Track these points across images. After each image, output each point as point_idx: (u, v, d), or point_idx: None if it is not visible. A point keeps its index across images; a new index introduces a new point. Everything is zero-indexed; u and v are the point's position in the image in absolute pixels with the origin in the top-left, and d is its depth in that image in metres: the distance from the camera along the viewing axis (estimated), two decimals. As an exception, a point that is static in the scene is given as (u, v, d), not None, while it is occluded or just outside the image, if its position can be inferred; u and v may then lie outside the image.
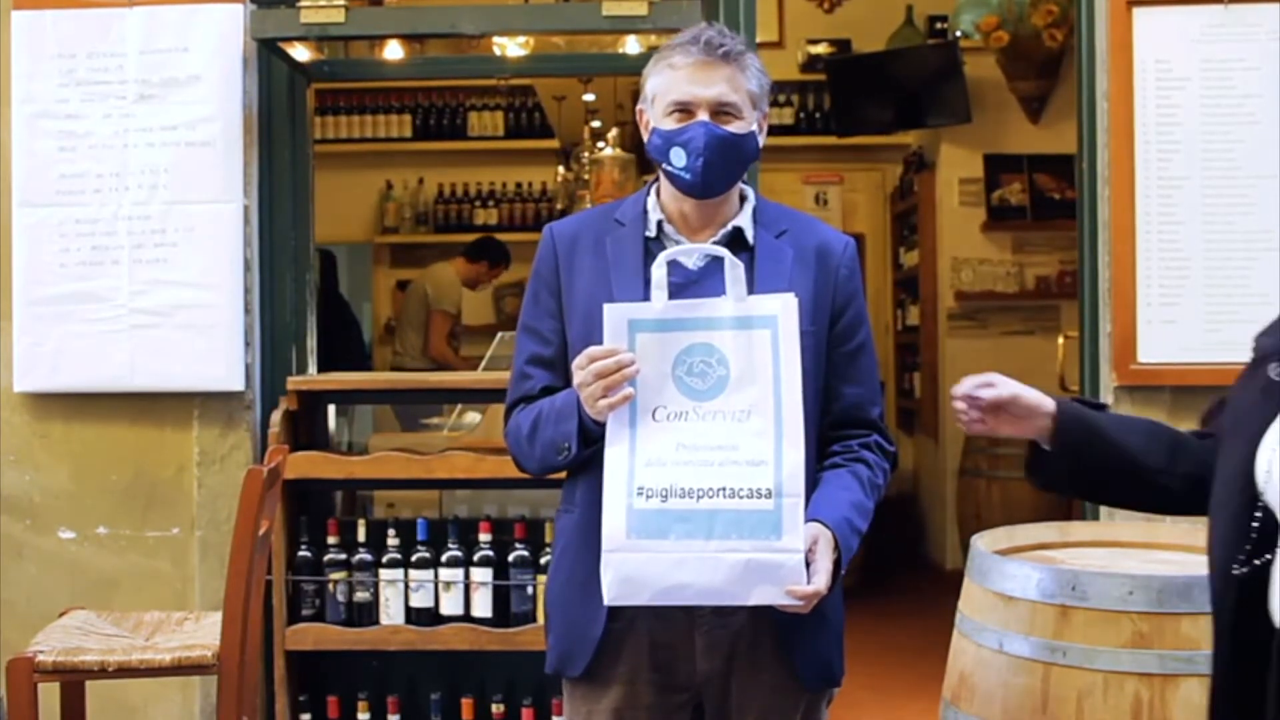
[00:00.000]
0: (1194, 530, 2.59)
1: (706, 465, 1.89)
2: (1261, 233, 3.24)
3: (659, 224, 2.12)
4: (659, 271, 1.94)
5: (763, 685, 2.08)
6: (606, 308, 1.94)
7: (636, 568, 1.89)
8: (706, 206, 2.11)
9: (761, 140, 2.13)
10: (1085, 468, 1.92)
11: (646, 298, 2.02)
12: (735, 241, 2.11)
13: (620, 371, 1.91)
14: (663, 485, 1.89)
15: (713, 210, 2.12)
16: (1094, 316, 3.35)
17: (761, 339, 1.91)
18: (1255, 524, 1.56)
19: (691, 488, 1.89)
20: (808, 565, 1.94)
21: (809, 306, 2.07)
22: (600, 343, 1.98)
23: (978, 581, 2.33)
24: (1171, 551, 2.51)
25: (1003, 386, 1.94)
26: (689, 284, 2.05)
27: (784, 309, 1.91)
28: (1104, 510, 3.29)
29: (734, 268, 1.93)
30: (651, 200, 2.15)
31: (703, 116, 2.04)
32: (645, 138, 2.13)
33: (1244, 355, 3.29)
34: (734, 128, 2.05)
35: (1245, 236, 3.24)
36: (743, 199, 2.16)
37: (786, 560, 1.88)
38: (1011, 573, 2.26)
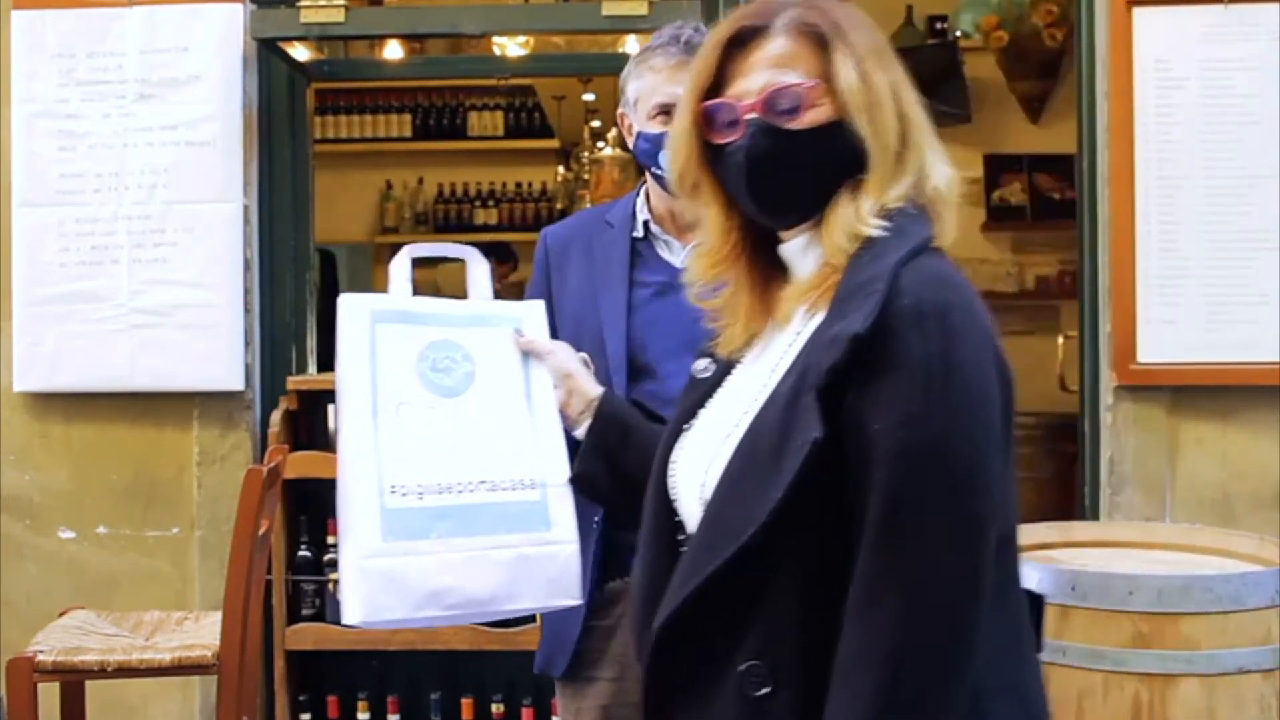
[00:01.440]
0: (1193, 530, 2.60)
1: (462, 458, 1.73)
2: (1261, 233, 3.23)
3: (645, 224, 2.14)
4: (401, 264, 1.86)
5: None
6: (342, 298, 1.81)
7: (395, 574, 1.66)
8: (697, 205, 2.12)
9: None
10: (621, 476, 1.71)
11: (629, 298, 2.04)
12: None
13: None
14: (417, 481, 1.70)
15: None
16: (1094, 316, 3.35)
17: (507, 337, 1.82)
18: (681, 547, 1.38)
19: (449, 482, 1.71)
20: None
21: None
22: (586, 344, 1.98)
23: (978, 581, 2.33)
24: (1171, 551, 2.52)
25: (557, 353, 1.81)
26: (673, 285, 2.05)
27: (530, 315, 1.84)
28: (1104, 510, 3.29)
29: (478, 265, 1.89)
30: (640, 201, 2.17)
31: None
32: (629, 142, 2.14)
33: (1244, 355, 3.29)
34: None
35: (1245, 236, 3.24)
36: None
37: (559, 552, 1.76)
38: (1011, 573, 2.26)
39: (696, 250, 1.46)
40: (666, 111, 2.06)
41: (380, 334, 1.75)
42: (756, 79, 1.36)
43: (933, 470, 1.20)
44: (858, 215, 1.31)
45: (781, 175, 1.35)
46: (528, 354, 1.82)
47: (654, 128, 2.07)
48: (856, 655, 1.20)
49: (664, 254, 2.14)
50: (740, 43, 1.38)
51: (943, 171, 1.37)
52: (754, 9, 1.40)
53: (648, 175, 2.15)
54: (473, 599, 1.71)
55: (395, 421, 1.72)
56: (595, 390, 1.78)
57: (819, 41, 1.36)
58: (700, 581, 1.27)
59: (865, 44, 1.37)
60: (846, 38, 1.36)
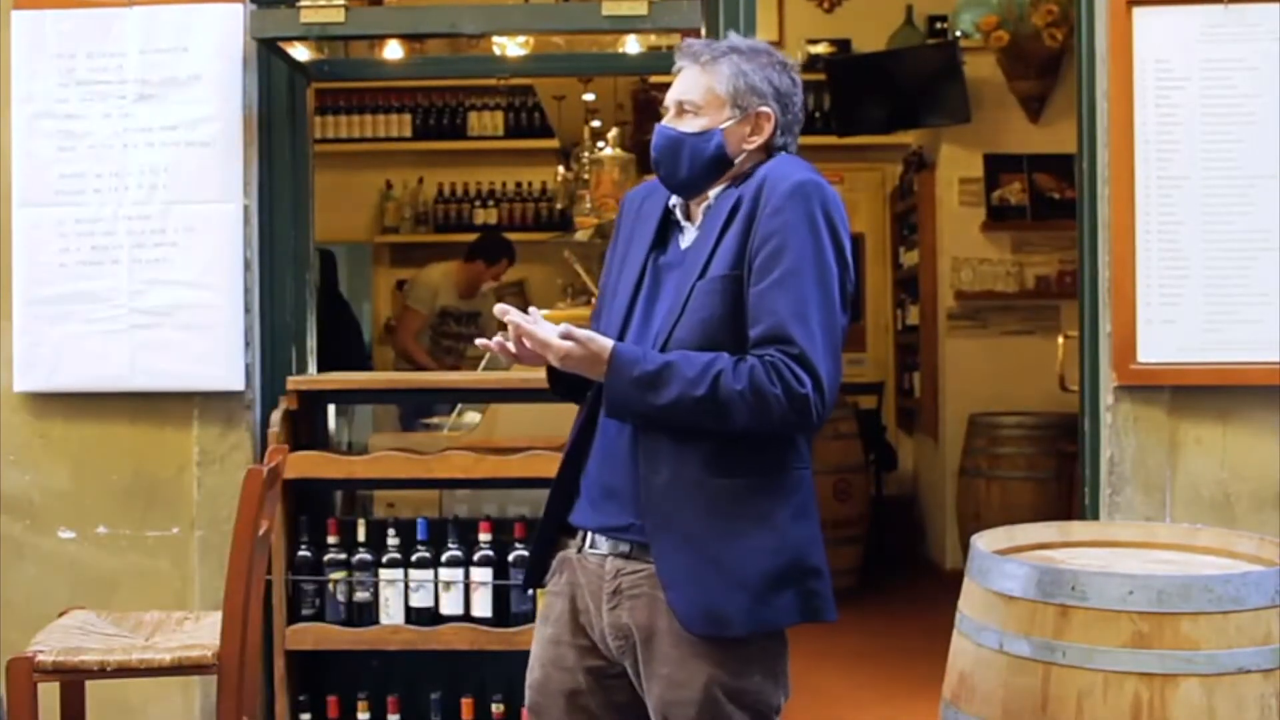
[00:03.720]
0: (1193, 530, 2.60)
1: None
2: (1261, 233, 3.23)
3: (675, 207, 2.23)
4: None
5: (659, 672, 2.10)
6: None
7: None
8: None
9: (749, 142, 2.17)
10: None
11: (651, 261, 2.18)
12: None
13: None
14: None
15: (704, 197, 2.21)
16: (1094, 316, 3.35)
17: None
18: None
19: None
20: None
21: (734, 251, 2.09)
22: (608, 302, 2.20)
23: (978, 581, 2.33)
24: (1171, 551, 2.52)
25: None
26: (676, 265, 2.17)
27: None
28: (1104, 510, 3.29)
29: None
30: None
31: (669, 117, 2.19)
32: None
33: (1244, 355, 3.31)
34: (685, 125, 2.16)
35: (1245, 236, 3.24)
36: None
37: None
38: (1011, 572, 2.26)
39: None
40: (678, 111, 2.19)
41: None
42: None
43: None
44: None
45: None
46: None
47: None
48: None
49: (680, 236, 2.21)
50: None
51: None
52: None
53: None
54: None
55: None
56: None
57: None
58: None
59: None
60: None
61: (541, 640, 2.22)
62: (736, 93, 2.15)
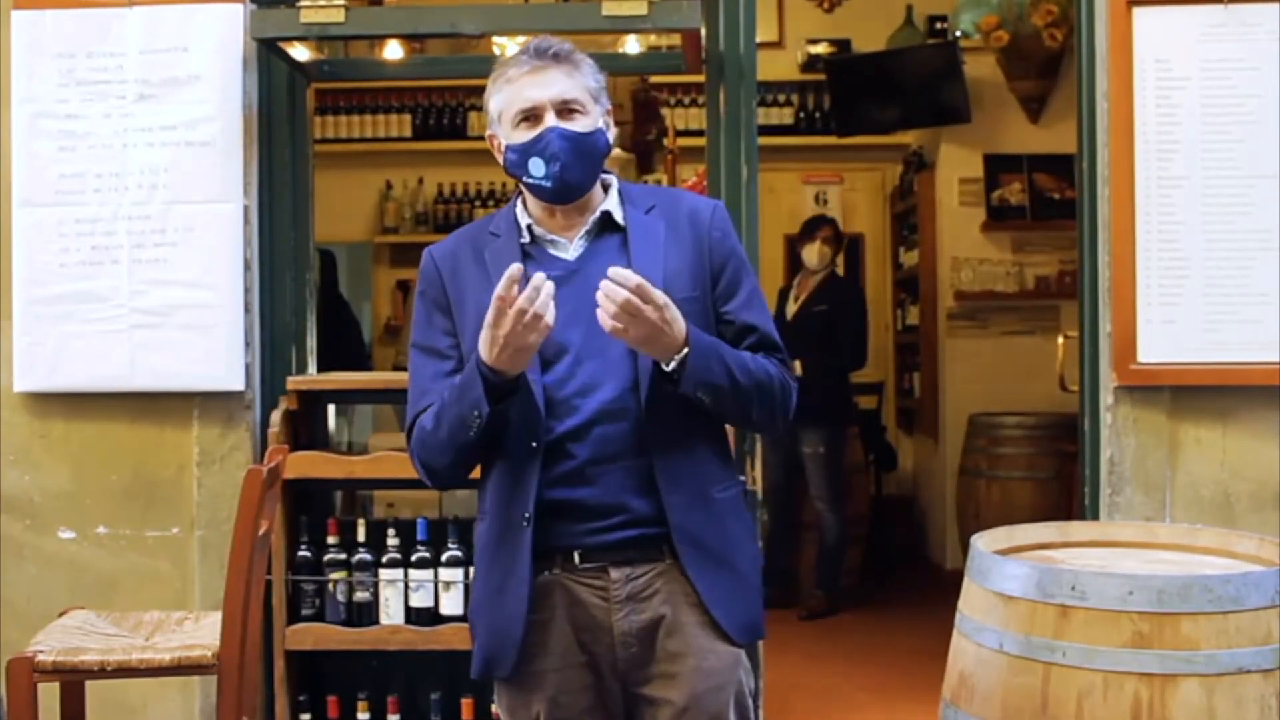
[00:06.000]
0: (1193, 530, 2.60)
1: None
2: (1261, 233, 3.24)
3: (529, 229, 2.19)
4: None
5: (686, 665, 2.11)
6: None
7: None
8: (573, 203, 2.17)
9: (611, 136, 2.19)
10: None
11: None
12: (606, 225, 2.19)
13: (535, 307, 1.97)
14: None
15: (580, 204, 2.18)
16: (1094, 316, 3.35)
17: None
18: None
19: None
20: None
21: (689, 273, 2.13)
22: None
23: (978, 581, 2.34)
24: (1171, 551, 2.52)
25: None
26: (570, 275, 2.13)
27: None
28: (1104, 510, 3.30)
29: None
30: (520, 209, 2.22)
31: (550, 119, 2.11)
32: (500, 159, 2.20)
33: (1244, 355, 3.32)
34: (581, 126, 2.12)
35: (1245, 236, 3.24)
36: (606, 187, 2.23)
37: None
38: (1011, 573, 2.26)
39: None
40: (529, 118, 2.12)
41: None
42: None
43: None
44: None
45: None
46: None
47: (519, 136, 2.13)
48: None
49: (554, 251, 2.18)
50: None
51: None
52: None
53: (521, 184, 2.19)
54: None
55: None
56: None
57: None
58: None
59: None
60: None
61: (542, 674, 2.12)
62: (600, 89, 2.17)
